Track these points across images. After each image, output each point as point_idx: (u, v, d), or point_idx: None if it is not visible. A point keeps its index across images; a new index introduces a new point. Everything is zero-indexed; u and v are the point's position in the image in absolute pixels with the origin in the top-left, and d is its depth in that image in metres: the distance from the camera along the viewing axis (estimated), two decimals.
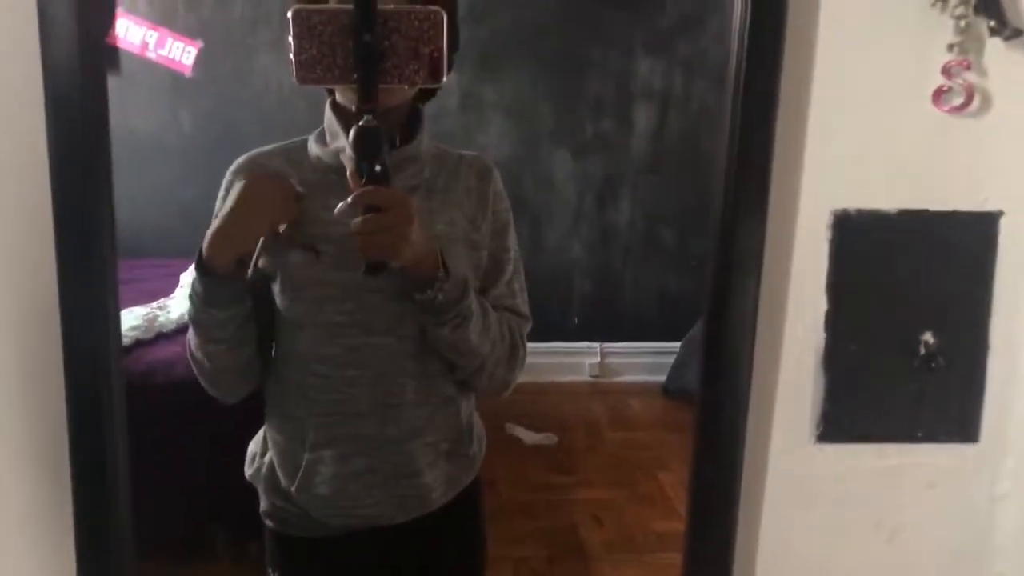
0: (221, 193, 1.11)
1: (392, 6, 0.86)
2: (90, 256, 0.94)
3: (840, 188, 0.95)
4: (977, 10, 0.88)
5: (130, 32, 3.53)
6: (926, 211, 0.95)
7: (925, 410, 0.98)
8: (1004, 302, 0.97)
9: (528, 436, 3.19)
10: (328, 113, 1.11)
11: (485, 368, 1.12)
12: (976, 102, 0.91)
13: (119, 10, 3.52)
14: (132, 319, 2.61)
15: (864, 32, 0.92)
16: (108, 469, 0.98)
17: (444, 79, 0.87)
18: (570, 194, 3.77)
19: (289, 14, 0.87)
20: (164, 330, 2.67)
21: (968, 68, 0.90)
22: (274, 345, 1.16)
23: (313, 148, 1.13)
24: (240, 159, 1.15)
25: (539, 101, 3.73)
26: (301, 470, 1.15)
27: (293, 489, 1.16)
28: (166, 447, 2.26)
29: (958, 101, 0.91)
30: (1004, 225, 0.96)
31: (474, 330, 1.04)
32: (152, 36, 3.62)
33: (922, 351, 0.97)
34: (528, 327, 1.18)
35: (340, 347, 1.10)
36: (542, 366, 3.65)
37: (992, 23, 0.87)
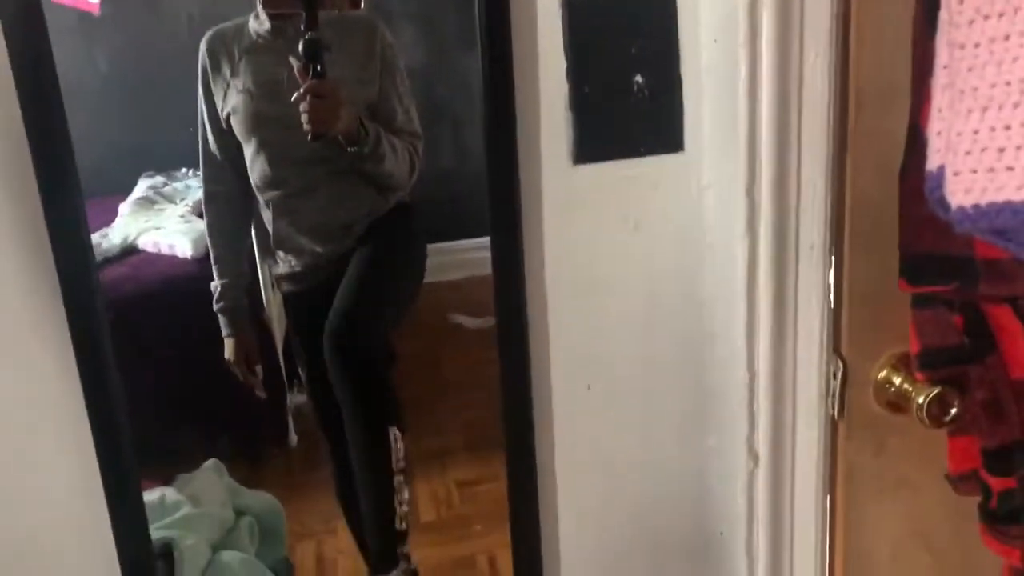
0: (199, 64, 1.77)
1: None
2: (65, 185, 1.19)
3: None
4: None
5: None
6: None
7: (643, 132, 1.39)
8: (686, 46, 1.36)
9: (470, 321, 3.54)
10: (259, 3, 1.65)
11: (393, 180, 1.71)
12: None
13: None
14: None
15: None
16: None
17: (363, 3, 1.36)
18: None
19: None
20: (109, 255, 2.97)
21: None
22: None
23: (252, 23, 1.68)
24: (208, 33, 1.78)
25: (446, 8, 3.99)
26: (273, 235, 1.76)
27: (275, 248, 1.79)
28: (123, 362, 2.62)
29: None
30: None
31: (387, 163, 1.59)
32: None
33: (635, 89, 1.37)
34: (421, 143, 1.72)
35: (274, 151, 1.70)
36: (478, 260, 3.97)
37: None
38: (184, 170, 3.90)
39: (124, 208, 3.46)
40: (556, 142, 1.37)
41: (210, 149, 1.81)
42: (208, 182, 1.85)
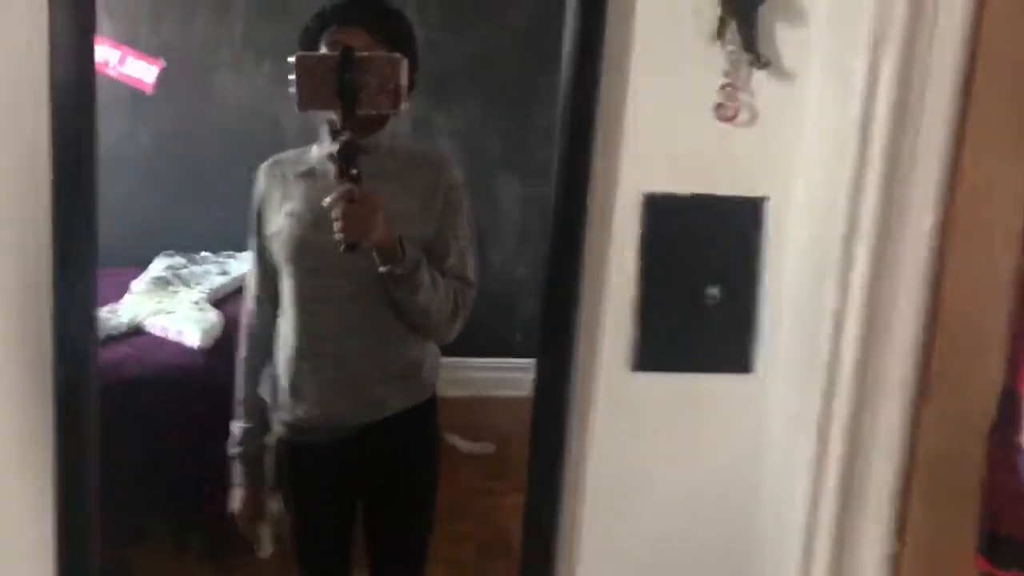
0: (253, 190, 1.60)
1: (366, 53, 1.23)
2: (80, 257, 1.18)
3: (648, 177, 1.25)
4: (742, 47, 1.20)
5: None
6: (712, 195, 1.26)
7: (711, 347, 1.29)
8: (769, 264, 1.28)
9: (464, 444, 3.36)
10: (325, 128, 1.53)
11: (429, 321, 1.51)
12: (745, 114, 1.24)
13: None
14: None
15: (665, 59, 1.22)
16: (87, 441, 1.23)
17: (403, 107, 1.24)
18: (516, 216, 4.00)
19: (293, 59, 1.26)
20: (114, 332, 2.89)
21: (736, 89, 1.22)
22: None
23: (314, 149, 1.56)
24: (270, 159, 1.61)
25: (488, 128, 3.99)
26: (290, 378, 1.55)
27: (286, 394, 1.56)
28: (114, 442, 2.49)
29: (730, 113, 1.24)
30: (769, 207, 1.27)
31: (424, 295, 1.43)
32: (115, 54, 3.83)
33: (708, 301, 1.28)
34: (473, 293, 1.60)
35: (311, 285, 1.51)
36: (485, 380, 3.87)
37: (751, 57, 1.20)
38: (205, 253, 3.84)
39: (137, 285, 3.37)
40: (617, 344, 1.27)
41: (256, 279, 1.62)
42: (249, 315, 1.66)
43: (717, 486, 1.32)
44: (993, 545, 1.12)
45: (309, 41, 1.49)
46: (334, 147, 1.29)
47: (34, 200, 1.14)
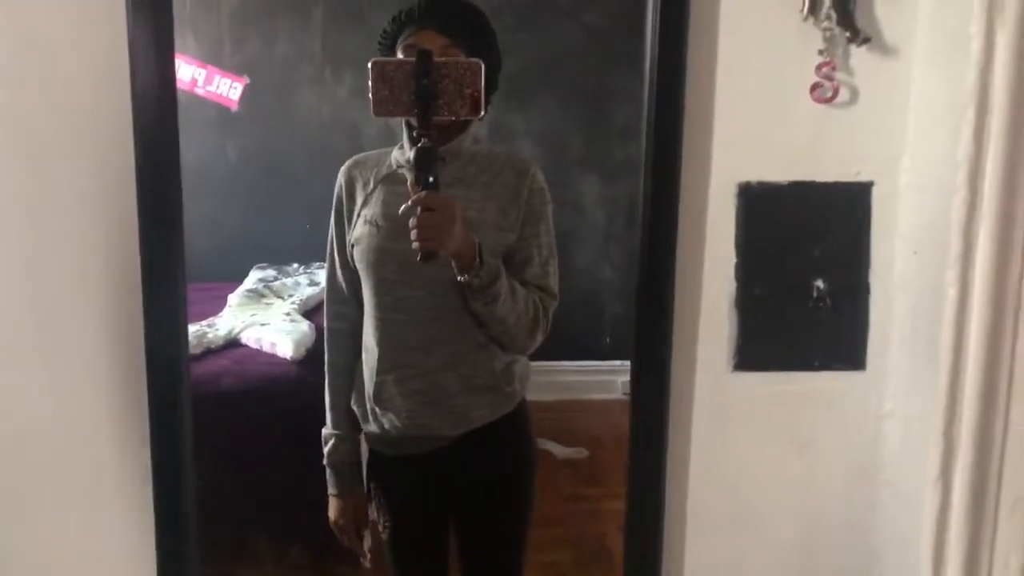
0: (335, 191, 1.57)
1: (443, 58, 1.20)
2: (167, 271, 1.18)
3: (743, 164, 1.18)
4: (838, 23, 1.12)
5: (180, 70, 3.87)
6: (813, 182, 1.19)
7: (819, 343, 1.21)
8: (878, 253, 1.19)
9: (559, 450, 3.29)
10: (405, 131, 1.49)
11: (508, 333, 1.46)
12: (843, 94, 1.15)
13: None
14: None
15: (755, 39, 1.16)
16: (182, 454, 1.24)
17: (483, 113, 1.20)
18: (599, 217, 3.94)
19: (369, 64, 1.22)
20: (212, 346, 2.93)
21: (834, 68, 1.14)
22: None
23: (395, 152, 1.51)
24: (349, 160, 1.58)
25: (567, 128, 3.94)
26: (373, 388, 1.52)
27: (370, 403, 1.53)
28: (212, 454, 2.55)
29: (829, 94, 1.15)
30: (875, 193, 1.19)
31: (502, 307, 1.38)
32: (201, 73, 3.94)
33: (815, 294, 1.20)
34: (554, 304, 1.53)
35: (392, 296, 1.47)
36: (575, 384, 3.82)
37: (848, 33, 1.12)
38: (296, 266, 3.91)
39: (233, 299, 3.45)
40: (716, 344, 1.21)
41: (337, 282, 1.60)
42: (332, 319, 1.63)
43: (830, 495, 1.24)
44: None
45: (387, 47, 1.47)
46: (411, 153, 1.26)
47: (121, 217, 1.15)
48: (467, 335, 1.47)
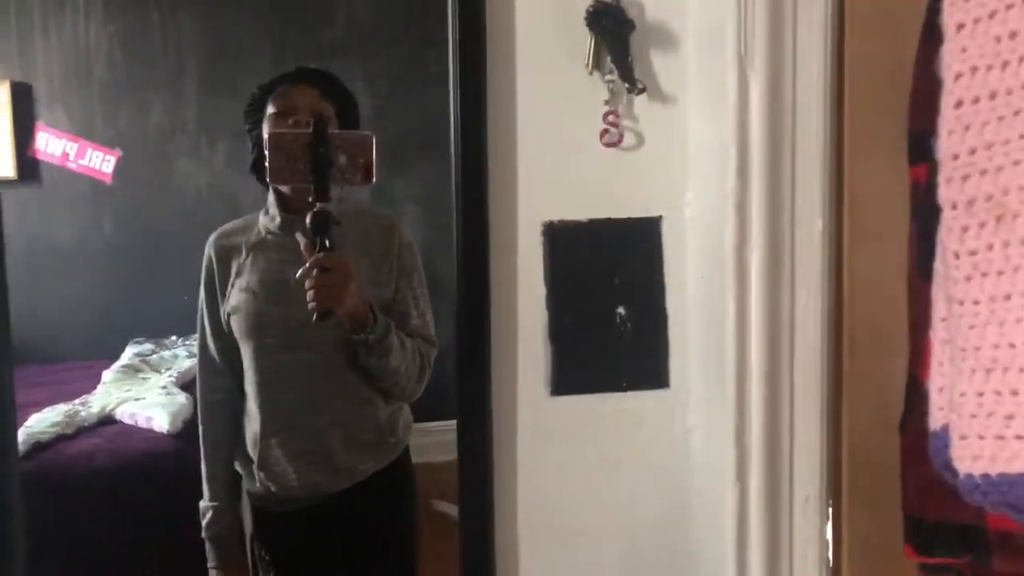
0: (203, 263, 1.59)
1: (337, 131, 1.30)
2: None
3: (546, 205, 1.28)
4: (619, 76, 1.26)
5: (50, 144, 3.84)
6: (609, 219, 1.30)
7: (626, 365, 1.31)
8: (672, 280, 1.31)
9: (454, 510, 3.34)
10: (271, 197, 1.55)
11: (399, 384, 1.53)
12: (629, 139, 1.28)
13: (39, 123, 3.83)
14: (54, 416, 2.83)
15: (548, 93, 1.27)
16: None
17: (374, 180, 1.29)
18: None
19: (266, 135, 1.34)
20: (85, 424, 2.88)
21: (618, 116, 1.27)
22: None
23: (261, 219, 1.57)
24: (216, 231, 1.62)
25: (447, 190, 4.06)
26: (258, 452, 1.53)
27: (255, 468, 1.54)
28: (87, 532, 2.48)
29: (616, 139, 1.28)
30: (664, 226, 1.31)
31: (395, 358, 1.45)
32: (72, 147, 3.92)
33: (618, 320, 1.31)
34: (435, 351, 1.60)
35: (273, 360, 1.50)
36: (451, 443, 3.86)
37: (627, 85, 1.25)
38: (174, 338, 3.85)
39: (107, 375, 3.37)
40: (534, 371, 1.29)
41: (209, 353, 1.60)
42: (206, 390, 1.63)
43: (647, 506, 1.32)
44: (916, 534, 1.12)
45: (256, 107, 1.55)
46: (296, 219, 1.34)
47: None
48: (351, 392, 1.52)
